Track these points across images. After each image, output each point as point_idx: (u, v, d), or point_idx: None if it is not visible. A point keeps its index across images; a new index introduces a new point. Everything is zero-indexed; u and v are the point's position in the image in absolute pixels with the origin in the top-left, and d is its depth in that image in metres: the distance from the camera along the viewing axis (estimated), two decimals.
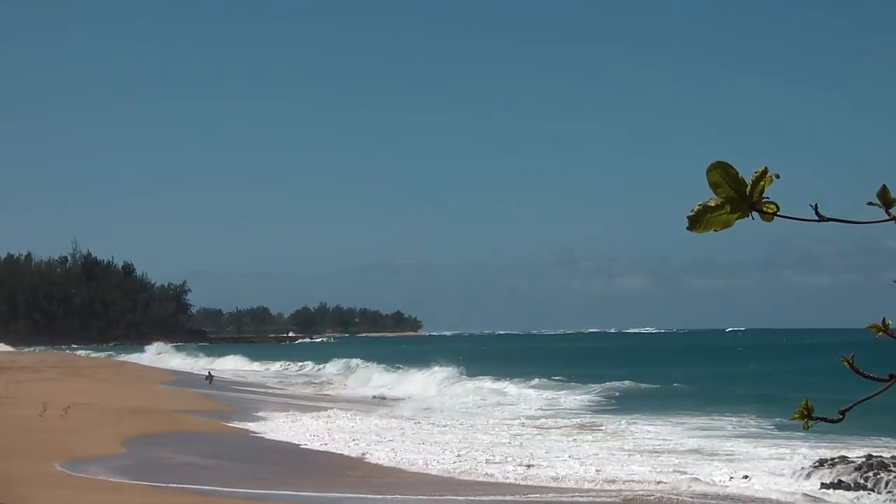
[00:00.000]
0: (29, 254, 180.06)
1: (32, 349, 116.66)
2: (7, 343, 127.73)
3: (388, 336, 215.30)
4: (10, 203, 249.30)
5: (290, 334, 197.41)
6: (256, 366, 78.50)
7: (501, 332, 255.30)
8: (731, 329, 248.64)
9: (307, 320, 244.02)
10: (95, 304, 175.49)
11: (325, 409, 35.28)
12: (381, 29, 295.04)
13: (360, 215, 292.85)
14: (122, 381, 50.78)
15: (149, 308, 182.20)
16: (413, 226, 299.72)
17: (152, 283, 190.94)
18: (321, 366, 73.32)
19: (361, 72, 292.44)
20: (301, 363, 78.98)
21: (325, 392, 50.07)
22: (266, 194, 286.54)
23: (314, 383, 58.04)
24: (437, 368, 52.81)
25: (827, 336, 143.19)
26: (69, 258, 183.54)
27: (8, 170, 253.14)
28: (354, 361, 69.79)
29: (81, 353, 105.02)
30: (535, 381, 48.65)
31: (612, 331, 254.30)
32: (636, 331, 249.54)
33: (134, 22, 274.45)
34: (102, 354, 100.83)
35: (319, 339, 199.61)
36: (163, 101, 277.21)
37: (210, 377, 52.00)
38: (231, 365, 76.93)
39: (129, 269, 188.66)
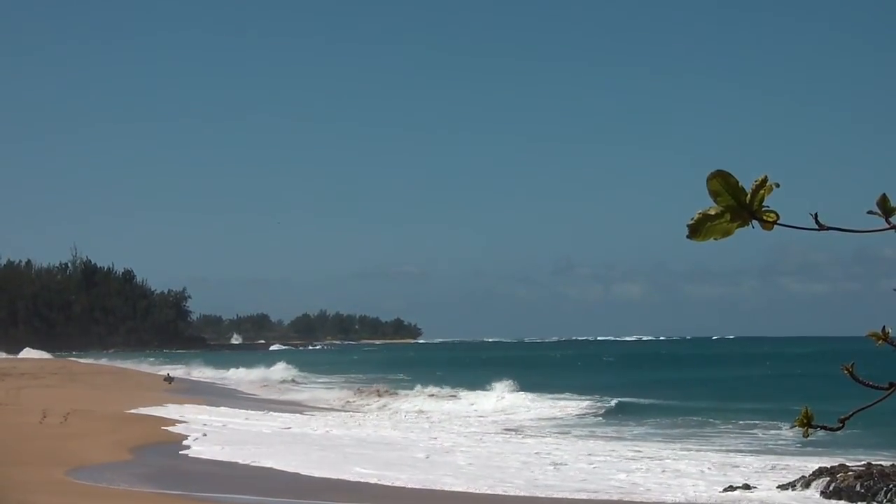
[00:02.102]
0: (29, 260, 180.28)
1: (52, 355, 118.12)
2: (9, 350, 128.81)
3: (375, 344, 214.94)
4: (9, 209, 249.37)
5: (277, 344, 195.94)
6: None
7: (492, 340, 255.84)
8: (717, 337, 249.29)
9: (307, 327, 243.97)
10: (95, 311, 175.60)
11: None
12: (379, 34, 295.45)
13: (359, 223, 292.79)
14: (121, 387, 50.85)
15: (149, 315, 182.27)
16: (412, 233, 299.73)
17: (152, 289, 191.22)
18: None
19: (358, 78, 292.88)
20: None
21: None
22: (265, 201, 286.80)
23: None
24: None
25: (819, 345, 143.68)
26: (69, 265, 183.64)
27: (7, 176, 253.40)
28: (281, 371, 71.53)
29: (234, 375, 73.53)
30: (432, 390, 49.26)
31: (600, 339, 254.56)
32: (630, 339, 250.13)
33: (135, 26, 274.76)
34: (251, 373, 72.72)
35: (319, 346, 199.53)
36: (162, 107, 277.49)
37: (169, 378, 56.78)
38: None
39: (129, 275, 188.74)
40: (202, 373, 76.96)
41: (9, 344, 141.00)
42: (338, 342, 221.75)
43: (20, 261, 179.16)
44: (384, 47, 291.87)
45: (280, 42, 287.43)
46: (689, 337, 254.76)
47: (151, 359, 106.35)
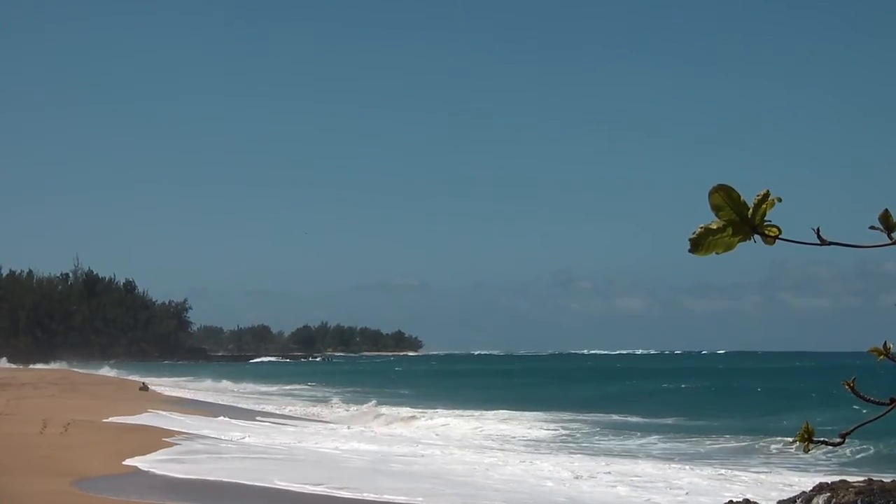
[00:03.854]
0: (30, 270, 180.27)
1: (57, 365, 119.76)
2: (13, 359, 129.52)
3: (366, 357, 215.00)
4: (11, 219, 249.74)
5: (271, 356, 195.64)
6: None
7: (481, 353, 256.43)
8: (706, 351, 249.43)
9: (308, 339, 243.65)
10: (96, 322, 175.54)
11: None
12: (383, 48, 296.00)
13: (359, 235, 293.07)
14: (122, 398, 50.77)
15: (150, 325, 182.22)
16: (412, 246, 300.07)
17: (153, 300, 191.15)
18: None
19: (361, 88, 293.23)
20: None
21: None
22: (266, 213, 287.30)
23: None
24: None
25: (812, 360, 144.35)
26: (71, 275, 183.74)
27: (9, 185, 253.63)
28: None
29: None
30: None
31: (592, 352, 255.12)
32: (625, 352, 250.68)
33: (140, 29, 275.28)
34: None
35: (319, 358, 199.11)
36: (164, 117, 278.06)
37: (145, 387, 60.72)
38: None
39: (130, 286, 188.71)
40: (175, 382, 78.47)
41: (10, 354, 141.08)
42: (339, 354, 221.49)
43: (22, 270, 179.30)
44: (383, 60, 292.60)
45: (284, 53, 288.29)
46: (678, 351, 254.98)
47: (116, 370, 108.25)
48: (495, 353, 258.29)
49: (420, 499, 18.03)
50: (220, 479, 19.95)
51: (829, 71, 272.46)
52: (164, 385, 71.37)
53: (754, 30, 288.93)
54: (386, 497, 18.18)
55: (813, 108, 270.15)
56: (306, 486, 19.06)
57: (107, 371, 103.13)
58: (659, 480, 22.21)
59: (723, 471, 24.49)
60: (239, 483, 19.45)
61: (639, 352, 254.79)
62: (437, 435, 35.82)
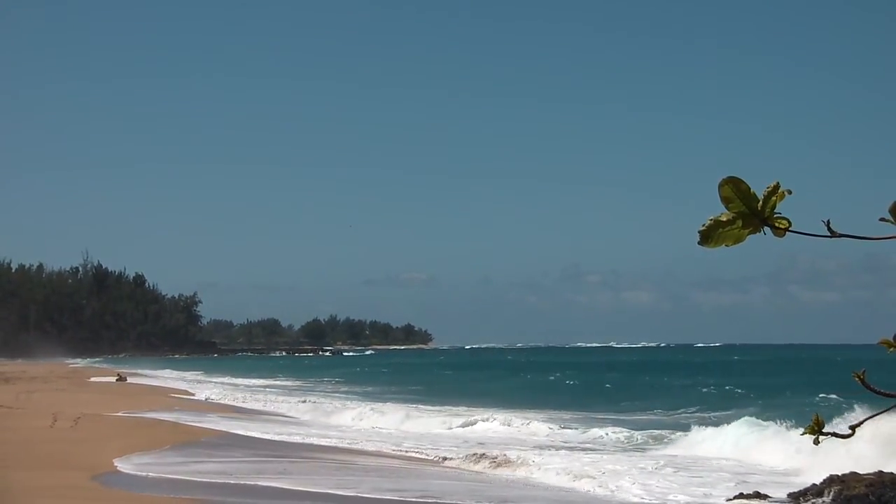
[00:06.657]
0: (40, 264, 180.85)
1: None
2: (23, 354, 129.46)
3: (368, 351, 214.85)
4: (21, 214, 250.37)
5: (272, 352, 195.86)
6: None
7: (488, 346, 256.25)
8: (700, 345, 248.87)
9: (318, 332, 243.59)
10: (106, 316, 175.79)
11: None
12: (392, 44, 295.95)
13: (368, 230, 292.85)
14: (131, 393, 50.93)
15: (160, 319, 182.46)
16: (420, 240, 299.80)
17: (163, 294, 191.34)
18: None
19: (367, 85, 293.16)
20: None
21: None
22: (276, 207, 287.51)
23: None
24: None
25: (817, 352, 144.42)
26: (80, 269, 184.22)
27: (19, 181, 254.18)
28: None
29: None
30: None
31: (585, 345, 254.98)
32: (628, 345, 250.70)
33: (152, 34, 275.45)
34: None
35: (328, 352, 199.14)
36: (171, 118, 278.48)
37: (122, 378, 64.59)
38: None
39: (139, 280, 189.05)
40: (181, 377, 79.08)
41: (20, 349, 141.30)
42: (348, 348, 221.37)
43: (31, 265, 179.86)
44: (394, 61, 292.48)
45: (291, 55, 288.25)
46: (672, 344, 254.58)
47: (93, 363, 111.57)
48: (497, 346, 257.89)
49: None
50: (231, 474, 20.00)
51: (839, 61, 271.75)
52: (171, 379, 71.75)
53: (765, 24, 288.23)
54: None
55: (824, 99, 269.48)
56: (313, 487, 19.08)
57: (77, 364, 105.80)
58: (665, 473, 22.16)
59: (733, 463, 24.46)
60: (249, 480, 19.50)
61: (639, 344, 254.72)
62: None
